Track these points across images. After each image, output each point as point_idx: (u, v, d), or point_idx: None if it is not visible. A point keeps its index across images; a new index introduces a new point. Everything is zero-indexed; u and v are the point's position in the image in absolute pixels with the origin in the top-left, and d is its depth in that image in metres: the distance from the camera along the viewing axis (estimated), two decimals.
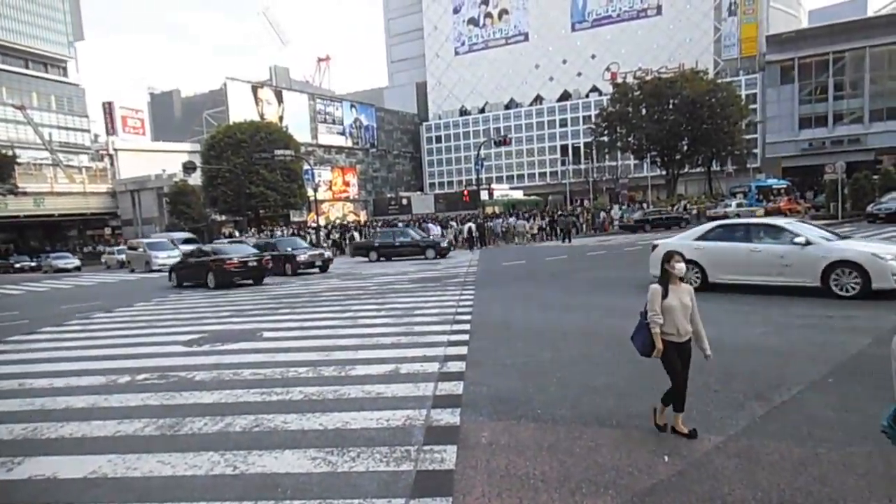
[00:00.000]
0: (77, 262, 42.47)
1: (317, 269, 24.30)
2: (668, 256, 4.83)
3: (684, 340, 4.87)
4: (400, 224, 43.68)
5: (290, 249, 24.12)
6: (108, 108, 78.11)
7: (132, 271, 32.80)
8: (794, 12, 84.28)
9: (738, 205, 42.25)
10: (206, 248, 23.31)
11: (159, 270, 29.41)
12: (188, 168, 46.19)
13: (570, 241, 33.78)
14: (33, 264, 47.89)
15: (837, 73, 65.48)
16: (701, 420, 5.12)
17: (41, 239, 60.79)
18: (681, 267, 4.78)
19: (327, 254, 26.11)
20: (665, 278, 4.80)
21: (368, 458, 4.72)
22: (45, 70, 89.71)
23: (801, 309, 9.68)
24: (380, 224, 50.45)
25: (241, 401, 6.56)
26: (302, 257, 23.71)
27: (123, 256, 37.72)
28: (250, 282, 20.81)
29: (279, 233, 44.14)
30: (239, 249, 22.09)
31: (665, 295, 4.76)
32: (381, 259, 29.01)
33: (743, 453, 4.42)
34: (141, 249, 33.32)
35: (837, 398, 5.49)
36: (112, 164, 68.95)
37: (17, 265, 48.01)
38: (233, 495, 4.25)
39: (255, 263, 20.67)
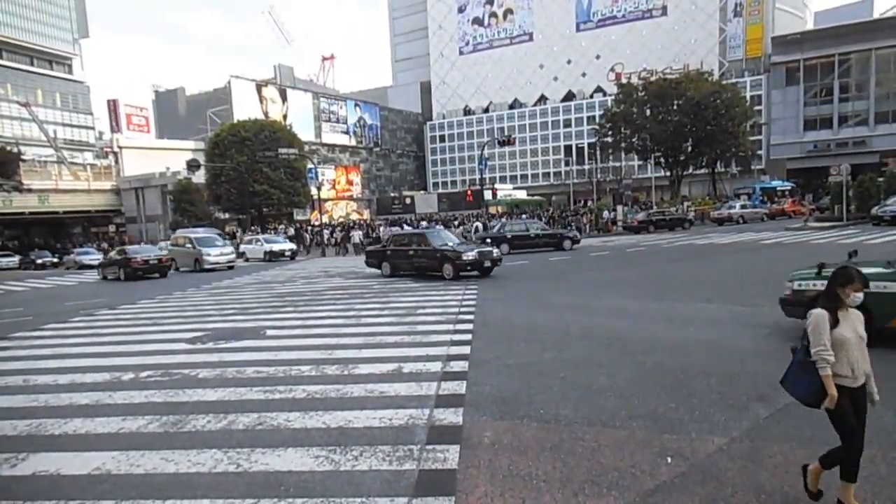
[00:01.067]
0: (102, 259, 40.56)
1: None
2: (848, 279, 3.65)
3: (860, 385, 3.71)
4: (423, 223, 43.68)
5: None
6: (112, 106, 78.23)
7: (177, 270, 28.23)
8: (799, 14, 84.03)
9: (742, 206, 42.20)
10: (124, 248, 28.39)
11: (212, 269, 27.23)
12: (192, 166, 46.27)
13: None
14: (55, 260, 45.67)
15: (843, 74, 65.29)
16: (703, 421, 5.11)
17: (45, 236, 60.92)
18: (858, 297, 3.65)
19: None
20: (833, 302, 3.66)
21: (371, 456, 4.73)
22: (51, 67, 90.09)
23: None
24: (386, 222, 50.48)
25: (245, 398, 6.58)
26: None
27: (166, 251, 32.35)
28: (156, 275, 25.61)
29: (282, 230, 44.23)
30: (144, 250, 28.23)
31: (835, 323, 3.61)
32: (513, 252, 26.27)
33: (746, 455, 4.41)
34: (189, 245, 28.89)
35: None
36: (116, 161, 69.10)
37: (39, 261, 44.98)
38: (236, 493, 4.26)
39: (155, 262, 26.01)
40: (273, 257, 33.15)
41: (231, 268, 28.33)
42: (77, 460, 5.01)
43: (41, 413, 6.45)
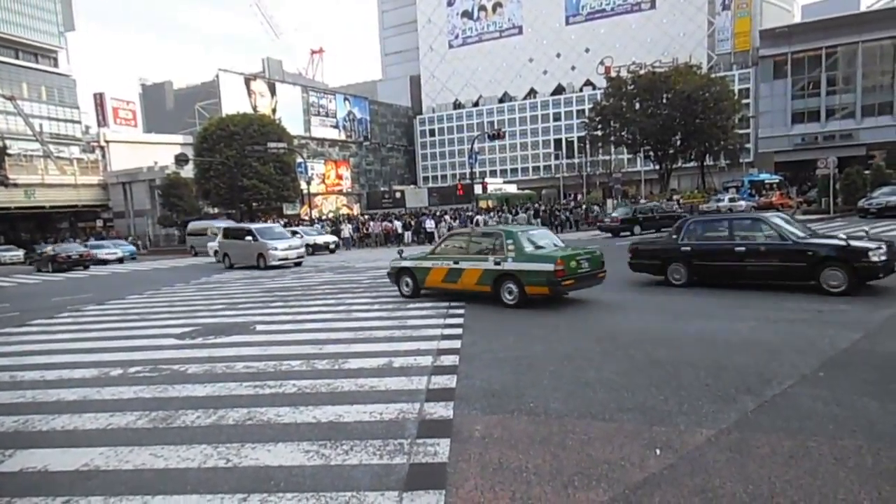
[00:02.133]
0: (120, 253, 37.60)
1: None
2: None
3: None
4: (427, 213, 43.05)
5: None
6: (99, 100, 77.45)
7: (231, 267, 25.38)
8: (787, 7, 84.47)
9: (731, 199, 42.42)
10: (54, 248, 32.71)
11: (279, 266, 23.81)
12: (180, 160, 45.95)
13: (557, 232, 33.92)
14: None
15: (830, 68, 65.67)
16: (692, 413, 5.15)
17: (32, 231, 60.28)
18: None
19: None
20: None
21: (362, 451, 4.72)
22: (36, 60, 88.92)
23: (791, 303, 9.74)
24: (376, 215, 50.15)
25: (234, 394, 6.55)
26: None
27: (215, 244, 29.16)
28: (81, 268, 31.20)
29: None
30: (68, 248, 32.80)
31: None
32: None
33: (734, 447, 4.45)
34: (249, 238, 24.76)
35: (828, 392, 5.53)
36: (103, 155, 68.41)
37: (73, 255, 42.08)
38: (226, 488, 4.25)
39: (77, 257, 31.60)
40: (316, 250, 31.93)
41: (299, 264, 24.79)
42: (65, 456, 4.97)
43: (28, 409, 6.40)
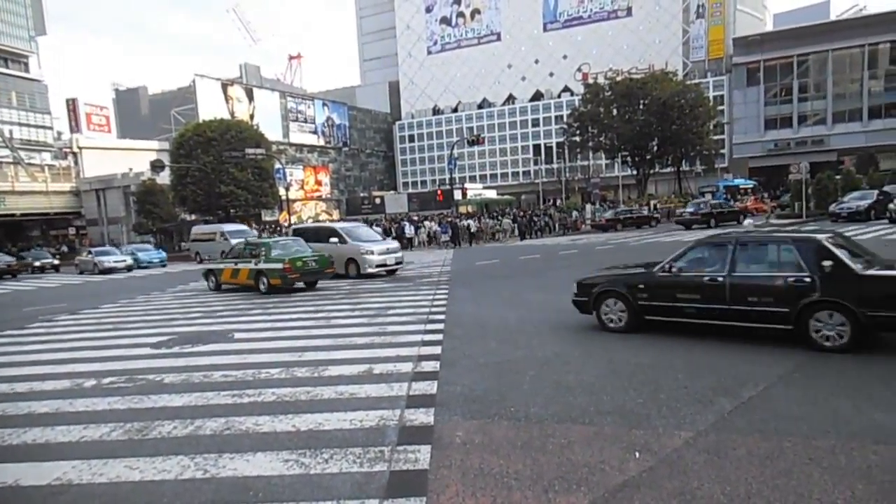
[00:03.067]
0: (130, 261, 32.64)
1: None
2: None
3: None
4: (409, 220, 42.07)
5: None
6: (71, 105, 76.11)
7: (337, 275, 20.01)
8: (759, 15, 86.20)
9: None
10: None
11: (375, 275, 19.35)
12: (156, 166, 45.29)
13: (535, 237, 35.01)
14: (56, 262, 38.16)
15: (801, 75, 67.11)
16: (670, 416, 5.20)
17: (2, 239, 58.94)
18: None
19: None
20: None
21: (342, 459, 4.69)
22: (6, 65, 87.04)
23: None
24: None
25: (212, 403, 6.46)
26: None
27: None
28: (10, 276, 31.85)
29: (253, 233, 43.57)
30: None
31: None
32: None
33: (712, 448, 4.50)
34: (335, 240, 19.90)
35: (802, 393, 5.63)
36: (76, 162, 67.21)
37: (38, 263, 36.86)
38: (203, 499, 4.18)
39: (5, 267, 32.62)
40: None
41: (394, 272, 20.31)
42: (37, 471, 4.86)
43: None
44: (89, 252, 32.69)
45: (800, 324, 7.19)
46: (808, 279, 7.14)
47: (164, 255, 37.33)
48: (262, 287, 16.57)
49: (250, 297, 16.41)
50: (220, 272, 18.33)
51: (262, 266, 16.58)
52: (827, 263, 7.10)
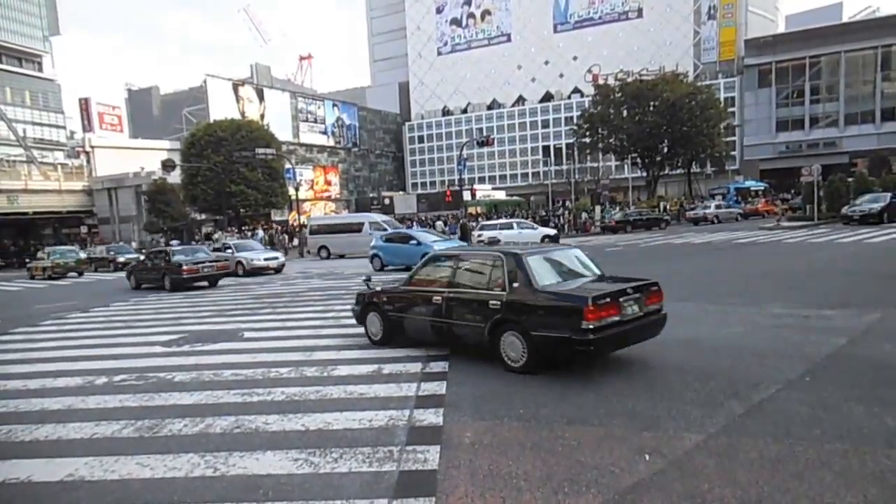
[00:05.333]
0: (282, 259, 26.78)
1: None
2: None
3: None
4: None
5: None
6: (84, 105, 76.76)
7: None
8: (771, 17, 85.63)
9: (717, 206, 42.87)
10: None
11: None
12: (167, 166, 45.53)
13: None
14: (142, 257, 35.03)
15: (814, 77, 66.67)
16: (680, 418, 5.17)
17: (15, 238, 59.46)
18: None
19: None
20: None
21: (351, 458, 4.70)
22: (20, 65, 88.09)
23: (777, 309, 9.83)
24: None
25: (222, 402, 6.49)
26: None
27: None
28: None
29: (260, 232, 43.79)
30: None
31: None
32: None
33: (722, 451, 4.47)
34: (413, 242, 20.90)
35: (814, 397, 5.58)
36: (88, 161, 67.77)
37: (122, 259, 33.42)
38: (213, 497, 4.20)
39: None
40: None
41: None
42: (49, 467, 4.90)
43: (11, 419, 6.30)
44: (227, 247, 26.30)
45: (493, 343, 6.95)
46: (499, 295, 6.94)
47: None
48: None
49: (260, 296, 16.49)
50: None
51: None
52: (516, 279, 6.90)
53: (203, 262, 20.36)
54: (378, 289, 9.06)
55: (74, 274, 30.88)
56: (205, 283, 20.32)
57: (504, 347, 6.88)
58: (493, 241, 25.67)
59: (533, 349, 6.61)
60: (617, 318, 6.49)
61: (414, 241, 22.07)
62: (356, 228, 30.23)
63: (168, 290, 19.50)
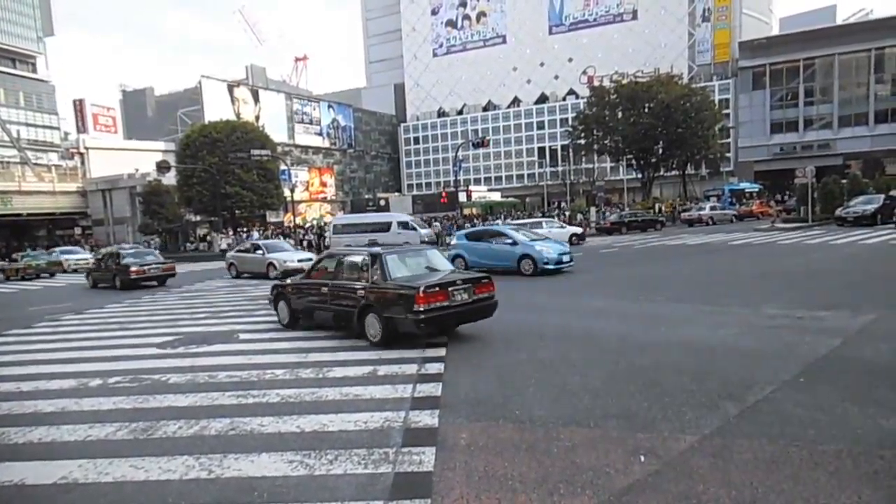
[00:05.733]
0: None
1: None
2: None
3: None
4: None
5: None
6: (78, 106, 76.45)
7: None
8: (765, 19, 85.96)
9: (712, 207, 43.00)
10: None
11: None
12: (162, 167, 45.40)
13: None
14: (87, 258, 34.83)
15: (808, 79, 66.95)
16: (675, 420, 5.19)
17: (8, 239, 59.19)
18: None
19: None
20: None
21: (346, 460, 4.69)
22: (14, 66, 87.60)
23: (773, 310, 9.86)
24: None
25: (217, 403, 6.48)
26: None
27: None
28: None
29: (255, 234, 43.69)
30: None
31: None
32: None
33: (717, 452, 4.48)
34: (508, 241, 18.69)
35: (809, 398, 5.60)
36: (82, 162, 67.53)
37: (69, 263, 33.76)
38: (208, 499, 4.19)
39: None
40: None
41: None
42: (42, 469, 4.88)
43: (4, 421, 6.27)
44: (256, 247, 24.09)
45: (360, 322, 8.92)
46: (364, 286, 8.95)
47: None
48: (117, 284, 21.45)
49: (255, 298, 16.44)
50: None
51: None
52: (376, 273, 8.94)
53: (150, 264, 22.35)
54: (287, 281, 11.17)
55: (46, 275, 31.13)
56: (154, 283, 22.21)
57: (367, 326, 8.86)
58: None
59: (385, 327, 8.58)
60: (446, 303, 8.42)
61: (509, 241, 18.66)
62: (384, 228, 29.91)
63: (118, 288, 21.37)
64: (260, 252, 23.14)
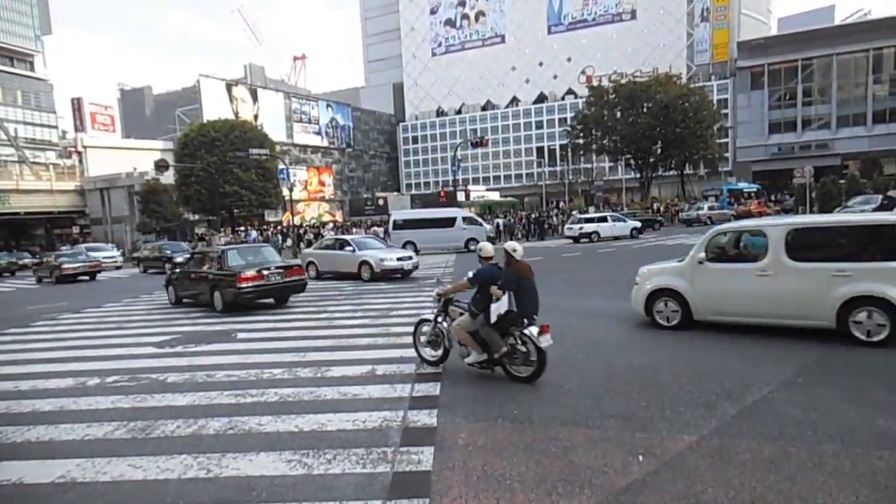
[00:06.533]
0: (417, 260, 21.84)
1: None
2: None
3: None
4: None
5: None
6: (76, 105, 76.34)
7: None
8: (764, 19, 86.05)
9: (710, 208, 43.02)
10: None
11: None
12: (160, 166, 45.25)
13: (539, 239, 35.58)
14: (114, 259, 35.81)
15: (806, 79, 67.00)
16: (674, 420, 5.19)
17: (6, 238, 59.04)
18: None
19: None
20: None
21: (345, 459, 4.69)
22: (11, 64, 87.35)
23: None
24: (360, 223, 49.62)
25: (215, 403, 6.47)
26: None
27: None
28: None
29: (253, 233, 43.63)
30: None
31: None
32: None
33: (715, 452, 4.49)
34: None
35: (806, 398, 5.61)
36: (81, 161, 67.38)
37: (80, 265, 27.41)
38: (206, 498, 4.19)
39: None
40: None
41: None
42: (40, 468, 4.87)
43: (2, 421, 6.26)
44: (344, 244, 20.54)
45: (212, 298, 13.55)
46: (214, 272, 13.67)
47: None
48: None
49: None
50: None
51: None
52: (221, 263, 13.64)
53: (80, 263, 27.15)
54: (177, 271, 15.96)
55: (86, 278, 30.27)
56: (86, 278, 26.86)
57: (216, 302, 13.46)
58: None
59: (223, 300, 13.29)
60: (262, 283, 13.10)
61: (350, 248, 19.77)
62: (448, 223, 29.99)
63: (55, 283, 25.77)
64: (349, 249, 19.70)
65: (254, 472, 4.55)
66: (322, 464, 4.64)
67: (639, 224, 33.86)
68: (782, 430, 4.82)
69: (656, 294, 8.97)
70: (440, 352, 7.35)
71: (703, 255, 8.48)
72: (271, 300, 14.06)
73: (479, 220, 32.38)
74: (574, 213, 42.26)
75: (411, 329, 10.00)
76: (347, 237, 22.76)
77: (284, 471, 4.55)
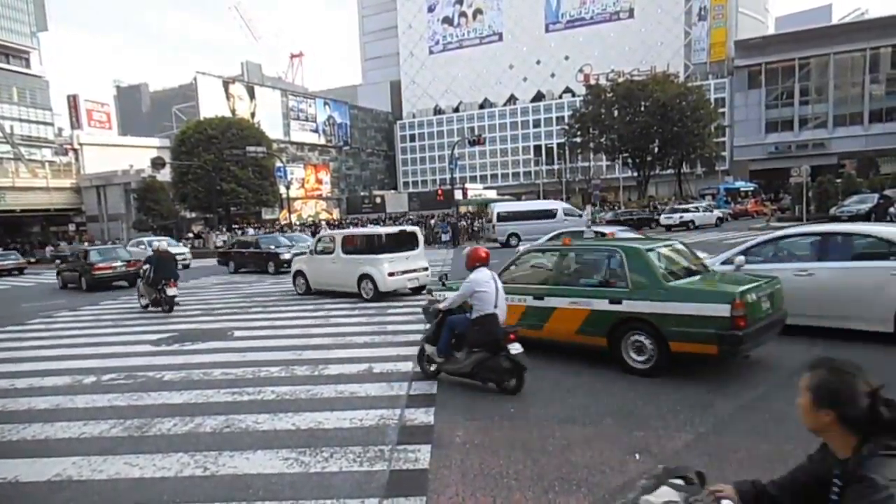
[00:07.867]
0: None
1: None
2: None
3: None
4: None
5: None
6: (72, 102, 76.04)
7: None
8: (761, 18, 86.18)
9: (696, 209, 43.06)
10: None
11: None
12: (157, 164, 45.22)
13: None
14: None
15: (803, 78, 67.10)
16: (671, 418, 5.20)
17: (2, 236, 58.84)
18: None
19: None
20: None
21: (342, 458, 4.69)
22: (7, 61, 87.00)
23: None
24: (358, 221, 49.57)
25: (212, 401, 6.46)
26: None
27: None
28: None
29: (251, 231, 43.58)
30: None
31: None
32: None
33: (712, 451, 4.50)
34: None
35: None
36: (77, 158, 67.13)
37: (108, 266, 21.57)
38: (203, 497, 4.18)
39: None
40: None
41: None
42: (36, 466, 4.86)
43: None
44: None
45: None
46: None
47: None
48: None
49: (250, 295, 16.41)
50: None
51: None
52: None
53: (8, 262, 33.08)
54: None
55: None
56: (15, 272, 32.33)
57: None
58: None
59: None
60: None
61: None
62: (550, 215, 31.24)
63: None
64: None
65: (250, 471, 4.55)
66: (319, 462, 4.63)
67: (721, 214, 37.34)
68: (778, 428, 4.83)
69: None
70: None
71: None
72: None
73: (577, 211, 34.00)
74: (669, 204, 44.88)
75: (408, 327, 10.05)
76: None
77: (281, 469, 4.55)
